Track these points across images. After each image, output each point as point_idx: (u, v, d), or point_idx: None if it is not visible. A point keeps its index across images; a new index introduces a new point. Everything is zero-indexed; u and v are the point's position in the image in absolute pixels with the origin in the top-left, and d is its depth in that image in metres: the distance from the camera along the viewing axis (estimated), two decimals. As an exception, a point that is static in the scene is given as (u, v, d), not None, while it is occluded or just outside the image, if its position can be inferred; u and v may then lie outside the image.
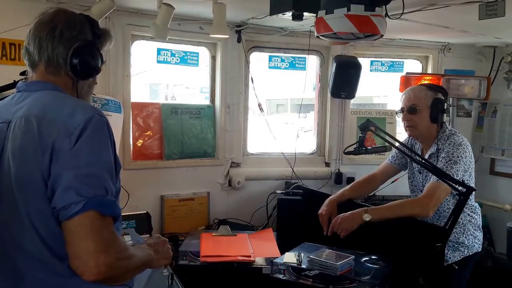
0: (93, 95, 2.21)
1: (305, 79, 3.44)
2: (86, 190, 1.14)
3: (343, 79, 3.34)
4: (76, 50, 1.31)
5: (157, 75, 3.99)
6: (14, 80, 1.74)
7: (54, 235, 1.18)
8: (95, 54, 1.37)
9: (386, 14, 2.01)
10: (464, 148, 2.28)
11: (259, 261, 2.35)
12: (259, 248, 2.49)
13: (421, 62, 3.76)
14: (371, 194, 2.79)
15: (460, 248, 2.33)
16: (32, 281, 1.22)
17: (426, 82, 3.12)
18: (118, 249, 1.17)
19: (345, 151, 2.34)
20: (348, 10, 1.86)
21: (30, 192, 1.19)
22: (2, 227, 1.25)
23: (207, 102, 3.30)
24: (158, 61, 3.06)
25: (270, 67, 3.43)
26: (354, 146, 2.29)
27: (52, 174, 1.16)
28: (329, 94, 3.48)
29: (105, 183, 1.18)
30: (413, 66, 3.76)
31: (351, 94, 3.43)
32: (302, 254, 2.12)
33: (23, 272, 1.22)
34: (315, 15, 2.00)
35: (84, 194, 1.13)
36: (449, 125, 2.46)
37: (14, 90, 1.43)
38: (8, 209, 1.23)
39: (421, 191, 2.34)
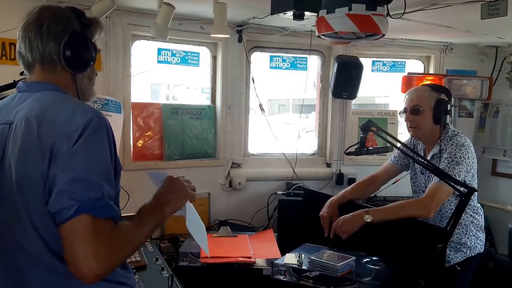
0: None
1: (306, 79, 3.43)
2: (80, 194, 1.13)
3: (345, 80, 3.33)
4: (67, 43, 1.30)
5: (157, 75, 3.98)
6: (14, 80, 1.74)
7: (55, 236, 1.18)
8: (87, 44, 1.35)
9: (388, 14, 1.99)
10: (466, 149, 2.27)
11: (260, 262, 2.34)
12: (260, 249, 2.48)
13: (423, 62, 3.75)
14: (372, 195, 2.78)
15: (462, 249, 2.31)
16: (34, 282, 1.22)
17: (429, 82, 3.11)
18: (114, 248, 1.16)
19: (347, 151, 2.33)
20: (350, 9, 1.85)
21: (30, 194, 1.19)
22: (4, 228, 1.25)
23: (207, 102, 3.29)
24: (159, 61, 3.05)
25: (271, 67, 3.42)
26: (356, 146, 2.28)
27: (49, 177, 1.16)
28: (330, 95, 3.47)
29: (101, 186, 1.17)
30: (415, 66, 3.75)
31: (352, 94, 3.41)
32: (303, 255, 2.11)
33: (25, 272, 1.23)
34: (316, 14, 1.99)
35: (77, 198, 1.13)
36: (451, 125, 2.45)
37: (14, 90, 1.42)
38: (10, 211, 1.23)
39: (424, 191, 2.33)
